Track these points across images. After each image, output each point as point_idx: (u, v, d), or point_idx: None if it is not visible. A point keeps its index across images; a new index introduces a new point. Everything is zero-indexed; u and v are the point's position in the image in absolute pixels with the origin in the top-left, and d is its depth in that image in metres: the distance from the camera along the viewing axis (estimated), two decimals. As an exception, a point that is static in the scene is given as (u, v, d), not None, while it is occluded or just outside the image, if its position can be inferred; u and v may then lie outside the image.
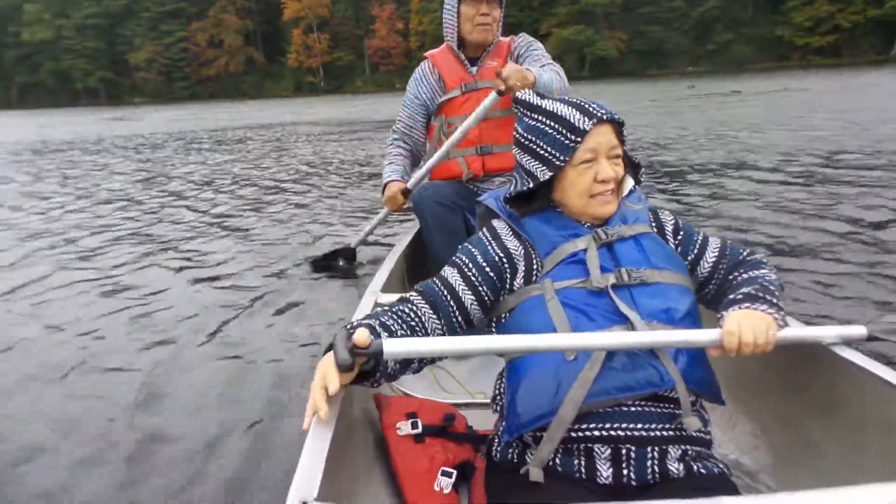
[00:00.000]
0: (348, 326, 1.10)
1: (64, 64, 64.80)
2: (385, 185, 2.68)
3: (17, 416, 2.12)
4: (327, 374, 1.00)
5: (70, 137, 17.49)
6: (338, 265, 3.58)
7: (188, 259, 4.09)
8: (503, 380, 1.23)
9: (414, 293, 1.23)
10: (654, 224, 1.30)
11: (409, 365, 1.17)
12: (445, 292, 1.22)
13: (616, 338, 1.05)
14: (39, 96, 65.51)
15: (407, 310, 1.19)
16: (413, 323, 1.17)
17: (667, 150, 8.34)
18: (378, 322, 1.12)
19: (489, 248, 1.26)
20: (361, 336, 0.99)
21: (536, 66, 2.35)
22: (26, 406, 2.19)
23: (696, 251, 1.31)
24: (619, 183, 1.25)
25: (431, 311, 1.20)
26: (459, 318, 1.21)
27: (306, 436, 0.99)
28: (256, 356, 2.52)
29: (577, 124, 1.17)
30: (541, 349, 1.06)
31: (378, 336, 1.08)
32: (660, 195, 5.38)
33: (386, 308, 1.19)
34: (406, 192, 2.59)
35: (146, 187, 7.38)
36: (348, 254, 3.57)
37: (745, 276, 1.24)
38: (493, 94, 2.31)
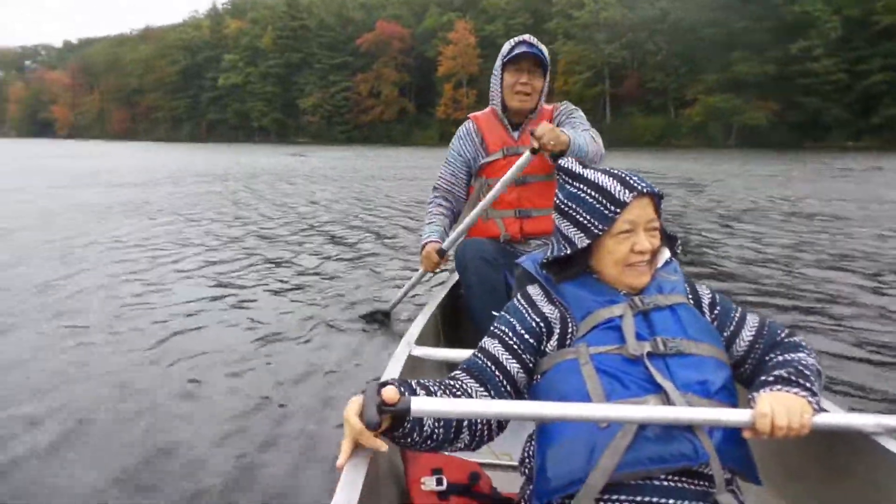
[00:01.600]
0: (380, 381, 1.08)
1: (246, 105, 75.26)
2: (423, 245, 2.72)
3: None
4: (363, 431, 1.02)
5: (269, 167, 21.50)
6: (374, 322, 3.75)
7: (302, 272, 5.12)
8: (532, 443, 1.22)
9: (458, 371, 1.24)
10: (690, 296, 1.31)
11: (455, 440, 1.16)
12: (490, 364, 1.23)
13: (645, 412, 1.05)
14: (223, 132, 76.37)
15: (453, 383, 1.19)
16: (459, 394, 1.17)
17: (743, 212, 9.19)
18: (418, 383, 1.13)
19: (526, 315, 1.28)
20: (390, 392, 1.01)
21: (573, 130, 2.38)
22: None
23: (732, 327, 1.30)
24: (655, 254, 1.28)
25: (479, 385, 1.20)
26: (508, 388, 1.22)
27: (336, 482, 1.03)
28: (289, 396, 2.66)
29: (617, 196, 1.20)
30: (573, 418, 1.06)
31: (414, 393, 1.08)
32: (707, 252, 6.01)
33: (431, 381, 1.18)
34: (441, 253, 2.63)
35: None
36: (384, 315, 3.76)
37: (780, 358, 1.22)
38: (527, 153, 2.32)
